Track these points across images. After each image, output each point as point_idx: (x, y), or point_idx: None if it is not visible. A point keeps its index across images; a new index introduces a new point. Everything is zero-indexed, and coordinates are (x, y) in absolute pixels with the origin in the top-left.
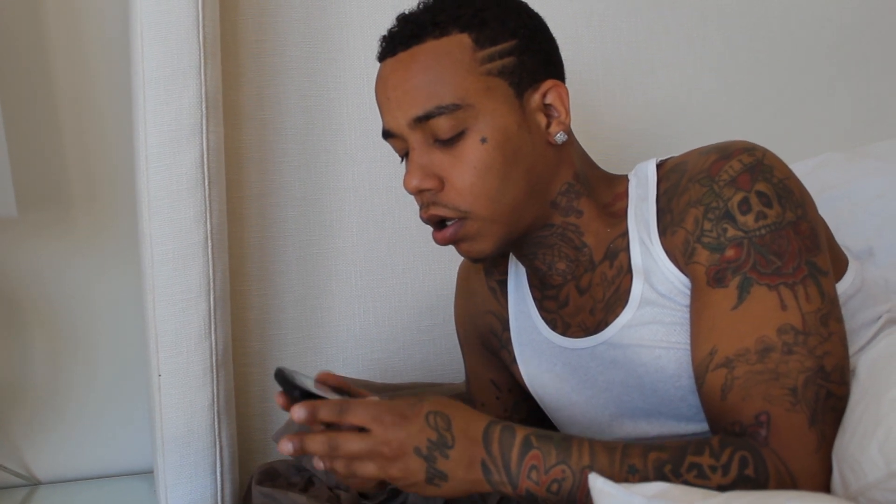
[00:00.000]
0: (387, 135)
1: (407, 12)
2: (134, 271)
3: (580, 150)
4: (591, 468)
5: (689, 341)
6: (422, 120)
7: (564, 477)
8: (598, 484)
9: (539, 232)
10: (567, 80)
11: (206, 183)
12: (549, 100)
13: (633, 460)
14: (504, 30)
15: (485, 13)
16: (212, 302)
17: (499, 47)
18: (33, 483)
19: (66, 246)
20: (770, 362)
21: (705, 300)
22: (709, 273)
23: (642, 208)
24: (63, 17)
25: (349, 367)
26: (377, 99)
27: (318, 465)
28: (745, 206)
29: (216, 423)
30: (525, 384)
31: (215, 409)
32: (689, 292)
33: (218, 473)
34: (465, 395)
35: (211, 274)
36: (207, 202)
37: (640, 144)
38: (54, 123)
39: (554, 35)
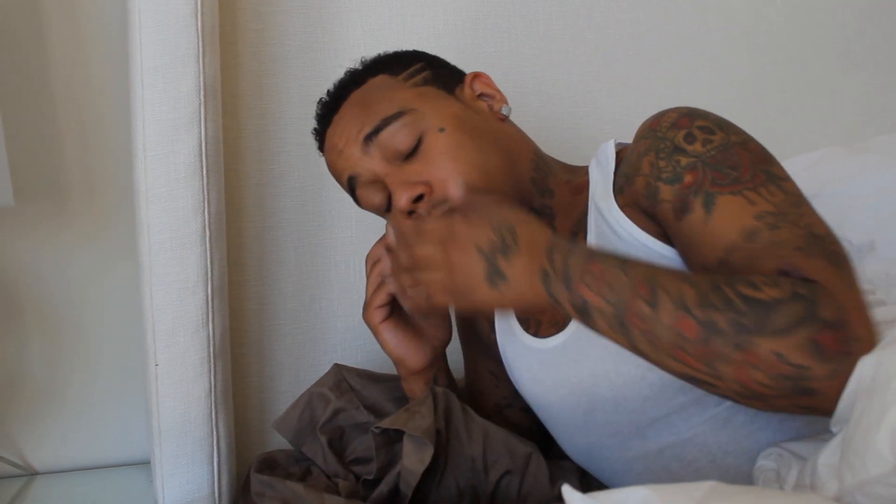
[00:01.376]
0: (352, 187)
1: (325, 97)
2: (131, 261)
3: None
4: (648, 275)
5: None
6: (372, 136)
7: (620, 281)
8: (575, 499)
9: None
10: (567, 71)
11: (204, 172)
12: (479, 90)
13: (689, 274)
14: (409, 59)
15: (388, 58)
16: (209, 291)
17: (412, 69)
18: (30, 473)
19: (63, 235)
20: (762, 240)
21: (682, 233)
22: (675, 206)
23: (601, 189)
24: (60, 4)
25: (348, 358)
26: (334, 173)
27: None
28: (690, 137)
29: (213, 412)
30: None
31: (212, 398)
32: (657, 253)
33: (215, 463)
34: (464, 384)
35: (209, 263)
36: (205, 191)
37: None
38: (51, 112)
39: (554, 26)
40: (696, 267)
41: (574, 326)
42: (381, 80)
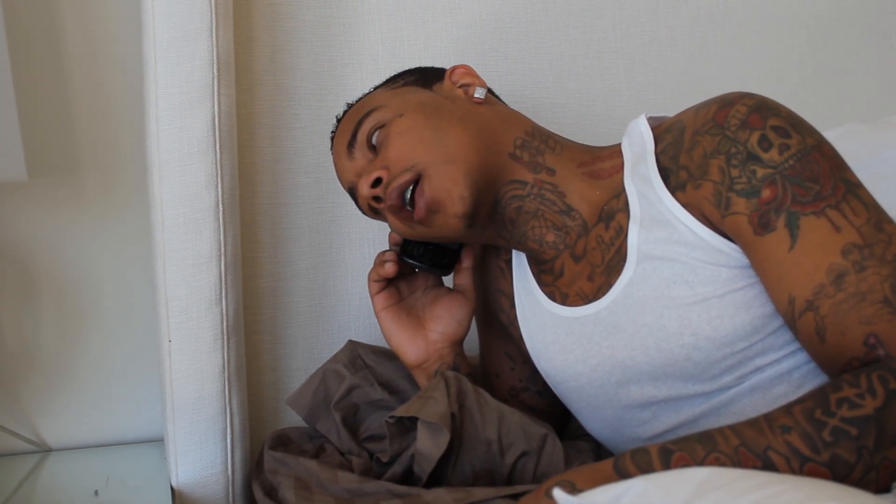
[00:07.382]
0: (355, 199)
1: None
2: (145, 236)
3: (535, 123)
4: (743, 445)
5: (688, 294)
6: (352, 142)
7: (721, 464)
8: (562, 499)
9: (513, 190)
10: (584, 49)
11: (218, 146)
12: (458, 80)
13: (780, 421)
14: (405, 72)
15: (390, 77)
16: (223, 267)
17: (402, 78)
18: (44, 450)
19: (76, 211)
20: (849, 286)
21: (761, 250)
22: (752, 220)
23: (640, 168)
24: None
25: (362, 336)
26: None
27: None
28: (764, 142)
29: (227, 389)
30: (532, 359)
31: (226, 375)
32: (713, 247)
33: (228, 440)
34: (478, 367)
35: (222, 239)
36: (219, 166)
37: (658, 114)
38: (65, 87)
39: (573, 3)
40: (774, 290)
41: (611, 298)
42: (374, 93)
